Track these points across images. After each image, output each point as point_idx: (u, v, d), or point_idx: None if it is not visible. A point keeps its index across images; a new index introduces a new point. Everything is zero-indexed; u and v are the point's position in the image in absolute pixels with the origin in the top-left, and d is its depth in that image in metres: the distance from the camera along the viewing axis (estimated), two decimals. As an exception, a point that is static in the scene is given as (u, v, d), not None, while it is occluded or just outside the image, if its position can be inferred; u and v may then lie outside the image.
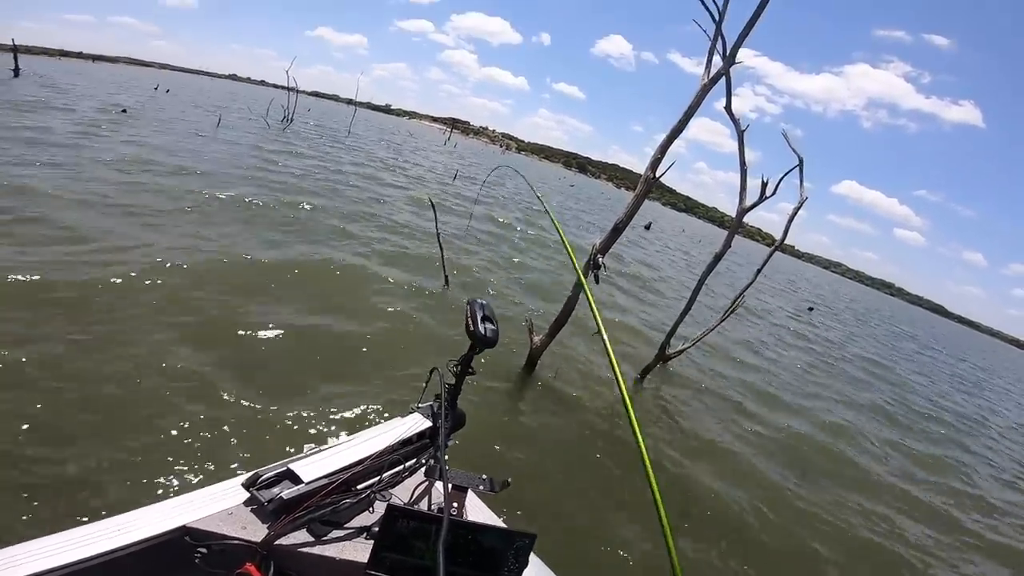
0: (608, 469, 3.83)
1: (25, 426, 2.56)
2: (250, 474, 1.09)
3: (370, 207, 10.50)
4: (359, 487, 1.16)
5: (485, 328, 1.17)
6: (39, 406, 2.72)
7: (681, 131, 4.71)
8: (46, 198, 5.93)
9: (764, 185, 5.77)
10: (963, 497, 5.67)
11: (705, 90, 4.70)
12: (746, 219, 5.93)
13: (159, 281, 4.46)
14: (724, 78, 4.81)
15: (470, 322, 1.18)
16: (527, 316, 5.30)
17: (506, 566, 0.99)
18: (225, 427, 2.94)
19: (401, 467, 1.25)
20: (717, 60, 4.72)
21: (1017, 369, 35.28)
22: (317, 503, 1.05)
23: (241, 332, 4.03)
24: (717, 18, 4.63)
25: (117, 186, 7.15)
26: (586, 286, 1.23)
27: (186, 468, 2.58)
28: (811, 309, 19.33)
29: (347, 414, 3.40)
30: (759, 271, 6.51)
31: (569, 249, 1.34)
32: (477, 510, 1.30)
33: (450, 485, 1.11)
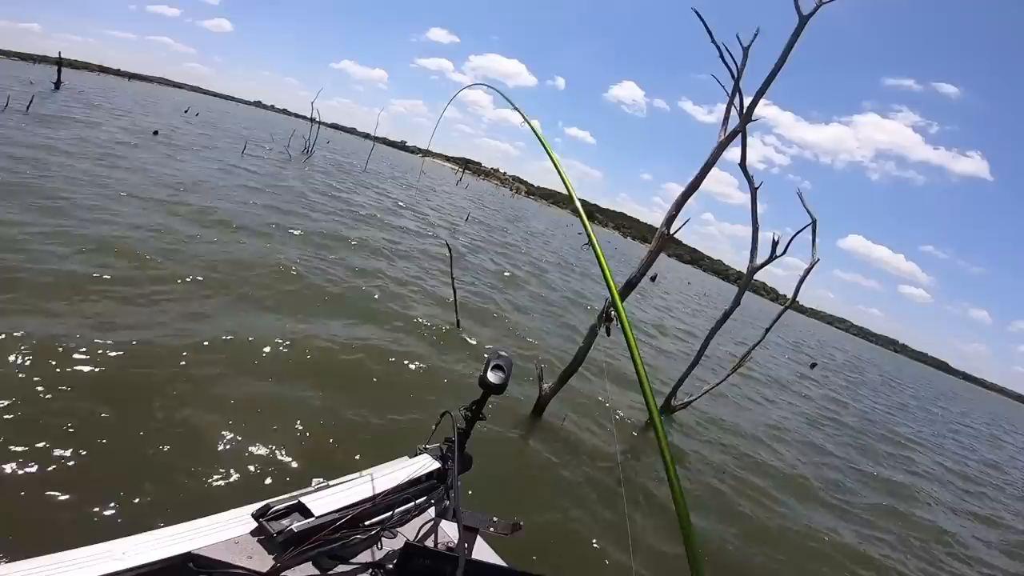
0: (612, 511, 3.75)
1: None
2: (261, 504, 1.08)
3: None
4: (368, 523, 1.15)
5: (496, 376, 1.29)
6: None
7: (697, 187, 4.75)
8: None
9: (775, 244, 5.77)
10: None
11: (722, 146, 4.79)
12: (750, 272, 5.95)
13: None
14: (740, 134, 4.90)
15: (483, 368, 1.31)
16: (538, 364, 5.17)
17: None
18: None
19: (410, 505, 1.26)
20: (734, 115, 4.79)
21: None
22: (325, 537, 1.04)
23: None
24: (736, 74, 4.67)
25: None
26: (630, 337, 1.22)
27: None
28: (813, 366, 19.35)
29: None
30: (768, 330, 6.47)
31: (618, 302, 1.34)
32: (483, 551, 1.30)
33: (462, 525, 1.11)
